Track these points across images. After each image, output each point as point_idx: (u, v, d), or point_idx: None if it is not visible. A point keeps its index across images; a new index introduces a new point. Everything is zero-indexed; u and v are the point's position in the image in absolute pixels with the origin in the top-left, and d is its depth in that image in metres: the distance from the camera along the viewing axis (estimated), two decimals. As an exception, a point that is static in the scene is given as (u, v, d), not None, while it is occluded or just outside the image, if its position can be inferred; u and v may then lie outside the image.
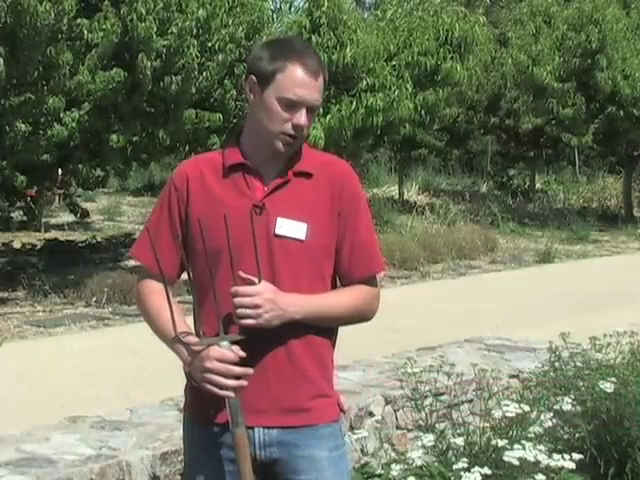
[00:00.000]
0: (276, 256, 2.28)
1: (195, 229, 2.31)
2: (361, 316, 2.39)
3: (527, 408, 3.35)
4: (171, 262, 2.33)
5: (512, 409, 3.31)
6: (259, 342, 2.26)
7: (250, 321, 2.20)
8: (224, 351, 2.19)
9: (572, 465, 3.07)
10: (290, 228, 2.29)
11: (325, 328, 2.36)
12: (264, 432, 2.29)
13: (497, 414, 3.35)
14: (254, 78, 2.32)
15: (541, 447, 3.11)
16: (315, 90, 2.29)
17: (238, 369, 2.19)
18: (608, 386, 3.56)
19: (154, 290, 2.31)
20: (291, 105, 2.27)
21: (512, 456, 3.04)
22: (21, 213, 15.54)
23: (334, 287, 2.40)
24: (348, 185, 2.38)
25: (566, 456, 3.10)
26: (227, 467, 2.31)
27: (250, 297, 2.20)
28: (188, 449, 2.43)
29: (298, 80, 2.26)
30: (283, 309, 2.23)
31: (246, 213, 2.28)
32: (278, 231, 2.29)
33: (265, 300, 2.20)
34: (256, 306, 2.19)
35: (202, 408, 2.33)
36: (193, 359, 2.23)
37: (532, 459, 3.03)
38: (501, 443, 3.13)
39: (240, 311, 2.20)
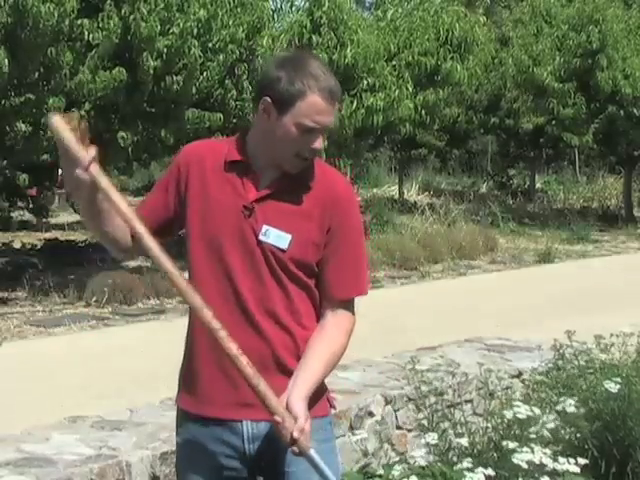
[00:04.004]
0: (257, 262, 2.30)
1: (190, 215, 2.35)
2: (339, 358, 2.39)
3: (537, 411, 3.34)
4: (155, 214, 2.39)
5: (523, 411, 3.30)
6: (246, 337, 2.26)
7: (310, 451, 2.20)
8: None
9: (577, 469, 3.07)
10: (274, 236, 2.29)
11: (312, 324, 2.37)
12: (252, 425, 2.31)
13: (508, 415, 3.34)
14: (269, 100, 2.28)
15: (547, 450, 3.11)
16: (332, 115, 2.31)
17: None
18: (613, 386, 3.56)
19: None
20: (309, 131, 2.27)
21: (520, 458, 3.04)
22: (21, 213, 15.54)
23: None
24: (341, 203, 2.36)
25: (571, 460, 3.09)
26: (219, 462, 2.33)
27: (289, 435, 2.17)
28: (180, 443, 2.44)
29: (318, 107, 2.26)
30: (300, 413, 2.21)
31: (235, 212, 2.30)
32: (261, 237, 2.29)
33: (295, 431, 2.18)
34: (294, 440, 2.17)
35: (194, 402, 2.35)
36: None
37: (538, 462, 3.03)
38: (512, 445, 3.13)
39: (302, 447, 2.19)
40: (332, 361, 2.34)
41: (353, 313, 2.40)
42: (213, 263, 2.26)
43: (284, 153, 2.29)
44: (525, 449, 3.08)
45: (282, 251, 2.29)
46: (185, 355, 2.41)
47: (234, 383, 2.27)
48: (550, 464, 3.02)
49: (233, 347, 2.15)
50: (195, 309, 2.17)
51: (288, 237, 2.29)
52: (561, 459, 3.07)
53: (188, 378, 2.38)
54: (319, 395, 2.38)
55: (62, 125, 2.17)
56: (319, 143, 2.29)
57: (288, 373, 2.30)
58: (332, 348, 2.34)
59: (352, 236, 2.38)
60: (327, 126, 2.30)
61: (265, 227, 2.29)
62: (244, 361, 2.15)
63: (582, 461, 3.13)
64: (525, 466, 3.00)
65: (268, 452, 2.31)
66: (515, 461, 3.02)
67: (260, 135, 2.35)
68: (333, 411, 2.49)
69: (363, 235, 2.45)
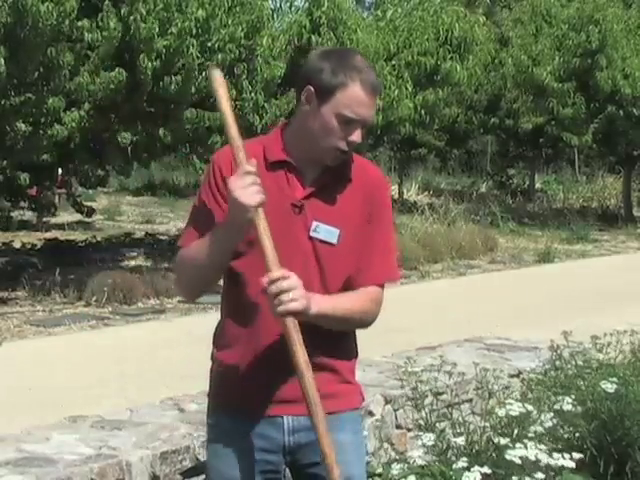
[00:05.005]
0: (308, 257, 2.32)
1: None
2: (363, 322, 2.40)
3: (531, 408, 3.35)
4: None
5: (516, 408, 3.31)
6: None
7: (294, 304, 2.15)
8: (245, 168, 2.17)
9: (572, 464, 3.08)
10: (324, 232, 2.32)
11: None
12: (293, 419, 2.33)
13: (501, 413, 3.35)
14: (312, 89, 2.30)
15: (542, 446, 3.12)
16: (372, 108, 2.32)
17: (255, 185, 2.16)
18: (609, 386, 3.57)
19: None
20: (348, 122, 2.29)
21: (514, 455, 3.05)
22: (21, 213, 15.55)
23: None
24: (378, 192, 2.42)
25: (566, 455, 3.10)
26: (257, 456, 2.35)
27: (287, 281, 2.16)
28: (213, 438, 2.44)
29: (358, 99, 2.28)
30: (308, 297, 2.20)
31: (284, 211, 2.31)
32: (312, 233, 2.32)
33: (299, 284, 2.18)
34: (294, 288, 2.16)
35: (229, 397, 2.37)
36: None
37: (533, 458, 3.04)
38: (503, 441, 3.14)
39: (283, 297, 2.14)
40: (354, 311, 2.33)
41: (382, 293, 2.43)
42: (261, 263, 2.21)
43: (322, 145, 2.30)
44: (519, 445, 3.09)
45: (332, 245, 2.32)
46: (220, 351, 2.41)
47: (277, 381, 2.30)
48: (545, 459, 3.03)
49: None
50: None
51: (337, 231, 2.32)
52: (555, 455, 3.08)
53: (226, 374, 2.38)
54: (354, 388, 2.43)
55: (222, 84, 2.20)
56: (357, 136, 2.30)
57: (333, 369, 2.34)
58: (364, 303, 2.35)
59: (385, 222, 2.44)
60: (366, 120, 2.30)
61: (315, 223, 2.31)
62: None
63: (576, 455, 3.14)
64: (518, 462, 3.01)
65: (308, 444, 2.33)
66: (508, 457, 3.02)
67: (300, 127, 2.36)
68: (364, 404, 2.53)
69: (393, 222, 2.51)
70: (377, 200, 2.40)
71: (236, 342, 2.36)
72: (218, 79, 2.24)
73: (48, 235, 15.21)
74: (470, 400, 4.55)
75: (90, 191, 18.05)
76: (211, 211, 2.32)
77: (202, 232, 2.31)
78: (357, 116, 2.28)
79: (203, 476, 3.53)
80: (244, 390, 2.34)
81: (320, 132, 2.30)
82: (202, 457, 3.53)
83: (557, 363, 4.14)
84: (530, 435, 3.27)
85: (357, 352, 2.48)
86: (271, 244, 2.16)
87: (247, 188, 2.14)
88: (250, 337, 2.33)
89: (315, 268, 2.32)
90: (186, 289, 2.44)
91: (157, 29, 10.01)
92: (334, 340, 2.35)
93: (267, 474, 2.37)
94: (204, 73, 10.67)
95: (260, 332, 2.30)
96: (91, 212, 13.93)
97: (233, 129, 2.22)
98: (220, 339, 2.42)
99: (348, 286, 2.38)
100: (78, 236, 15.45)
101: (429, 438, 3.39)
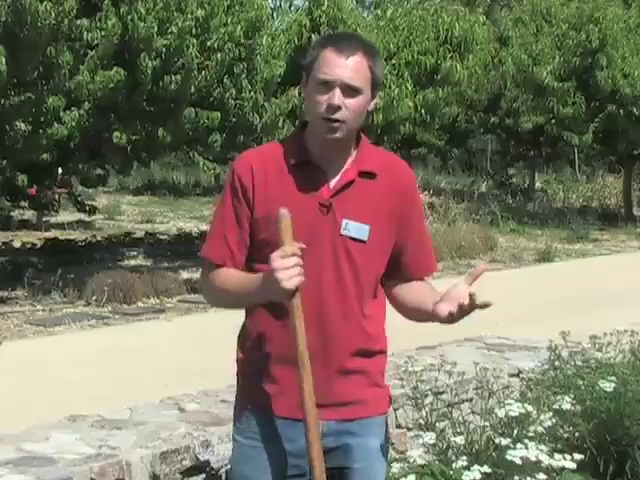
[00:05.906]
0: (340, 256, 2.31)
1: (260, 223, 2.31)
2: None
3: (530, 408, 3.35)
4: (242, 256, 2.35)
5: (515, 408, 3.31)
6: (318, 338, 2.26)
7: None
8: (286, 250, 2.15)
9: (573, 465, 3.08)
10: (354, 229, 2.31)
11: (379, 322, 2.42)
12: (322, 424, 2.29)
13: (500, 413, 3.35)
14: (303, 74, 2.34)
15: (542, 447, 3.12)
16: (346, 68, 2.26)
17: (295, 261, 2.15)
18: (608, 385, 3.56)
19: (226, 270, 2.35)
20: (324, 85, 2.26)
21: (514, 455, 3.05)
22: (21, 212, 15.55)
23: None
24: (410, 189, 2.43)
25: (567, 456, 3.10)
26: (284, 460, 2.34)
27: None
28: (238, 440, 2.42)
29: (328, 60, 2.27)
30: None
31: (312, 212, 2.30)
32: (343, 232, 2.31)
33: None
34: None
35: (256, 400, 2.36)
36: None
37: (534, 458, 3.04)
38: (504, 442, 3.14)
39: None
40: None
41: None
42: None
43: (314, 118, 2.29)
44: (519, 445, 3.08)
45: (363, 242, 2.32)
46: (245, 353, 2.41)
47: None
48: (546, 460, 3.02)
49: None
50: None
51: (367, 228, 2.32)
52: (557, 455, 3.08)
53: (252, 376, 2.37)
54: (383, 391, 2.44)
55: (289, 224, 2.18)
56: (336, 98, 2.25)
57: (364, 372, 2.34)
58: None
59: (420, 218, 2.49)
60: (338, 79, 2.25)
61: (345, 221, 2.31)
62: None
63: (578, 456, 3.14)
64: (519, 462, 3.01)
65: (335, 448, 2.32)
66: (509, 457, 3.02)
67: (308, 118, 2.36)
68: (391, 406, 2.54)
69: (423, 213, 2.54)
70: (409, 198, 2.41)
71: (262, 344, 2.35)
72: (285, 219, 2.18)
73: (48, 234, 15.21)
74: (470, 399, 4.55)
75: (90, 190, 18.03)
76: (235, 220, 2.34)
77: (227, 242, 2.33)
78: (330, 76, 2.25)
79: (203, 475, 3.53)
80: (270, 393, 2.33)
81: (310, 108, 2.30)
82: (202, 457, 3.53)
83: (556, 363, 4.14)
84: (530, 435, 3.27)
85: (386, 354, 2.48)
86: (302, 329, 2.16)
87: (289, 270, 2.13)
88: (275, 339, 2.32)
89: (347, 267, 2.31)
90: (212, 304, 2.65)
91: (156, 28, 10.02)
92: (367, 341, 2.36)
93: (293, 478, 2.35)
94: (203, 72, 10.67)
95: (285, 334, 2.25)
96: (93, 210, 13.96)
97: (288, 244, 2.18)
98: (245, 341, 2.41)
99: (398, 281, 2.44)
100: (78, 235, 15.44)
101: (429, 437, 3.39)
